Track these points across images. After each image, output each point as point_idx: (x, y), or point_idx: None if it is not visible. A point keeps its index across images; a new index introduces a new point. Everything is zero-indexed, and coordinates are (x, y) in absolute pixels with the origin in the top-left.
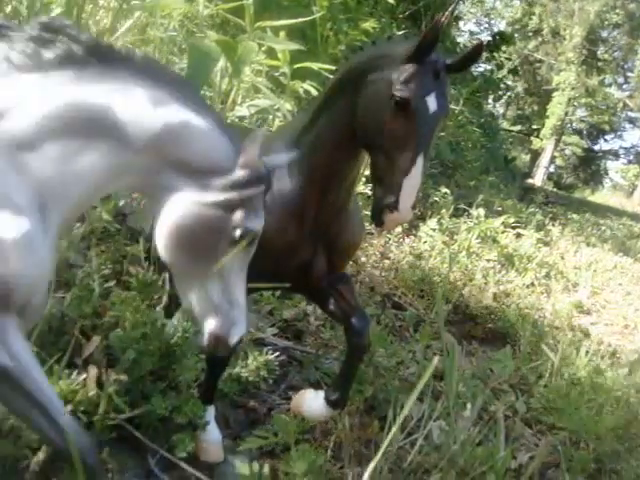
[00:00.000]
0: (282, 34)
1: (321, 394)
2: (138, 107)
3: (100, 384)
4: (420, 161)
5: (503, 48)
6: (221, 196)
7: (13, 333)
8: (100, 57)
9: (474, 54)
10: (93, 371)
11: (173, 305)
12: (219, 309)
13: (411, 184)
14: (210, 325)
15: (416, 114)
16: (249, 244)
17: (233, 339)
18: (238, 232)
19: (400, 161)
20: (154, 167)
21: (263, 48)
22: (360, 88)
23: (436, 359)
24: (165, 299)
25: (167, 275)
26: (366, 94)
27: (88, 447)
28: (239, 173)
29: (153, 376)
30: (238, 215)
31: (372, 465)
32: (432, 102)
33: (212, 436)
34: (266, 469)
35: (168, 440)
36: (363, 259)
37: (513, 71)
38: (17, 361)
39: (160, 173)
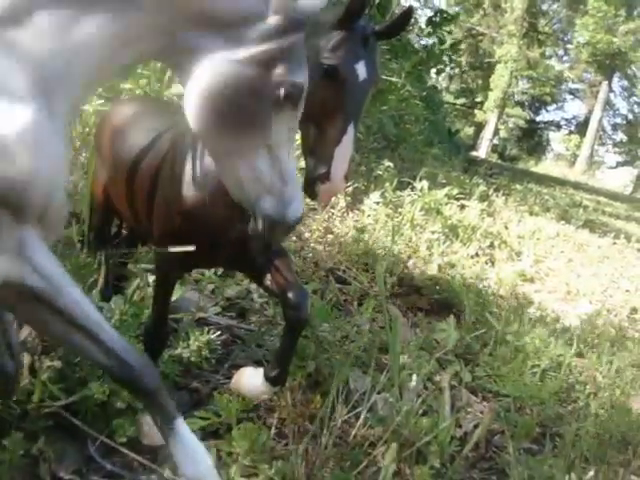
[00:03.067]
0: None
1: (260, 372)
2: None
3: (34, 372)
4: (351, 130)
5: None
6: (256, 49)
7: (36, 247)
8: None
9: (403, 20)
10: (26, 359)
11: (110, 288)
12: (271, 187)
13: (342, 154)
14: (264, 207)
15: (345, 82)
16: (296, 103)
17: (291, 219)
18: (282, 89)
19: (330, 131)
20: (171, 26)
21: None
22: None
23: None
24: (101, 282)
25: (102, 258)
26: None
27: (145, 367)
28: (273, 20)
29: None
30: (280, 69)
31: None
32: (361, 69)
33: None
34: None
35: (108, 425)
36: (307, 234)
37: (452, 47)
38: (47, 279)
39: (179, 33)
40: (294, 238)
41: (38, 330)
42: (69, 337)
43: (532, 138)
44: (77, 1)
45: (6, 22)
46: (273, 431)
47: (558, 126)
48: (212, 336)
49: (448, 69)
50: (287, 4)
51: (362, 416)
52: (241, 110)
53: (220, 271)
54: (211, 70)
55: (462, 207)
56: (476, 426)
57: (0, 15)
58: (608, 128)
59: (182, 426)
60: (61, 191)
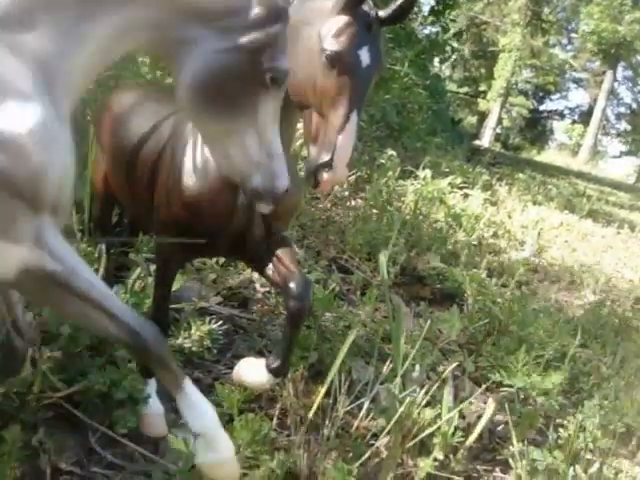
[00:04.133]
0: None
1: (262, 362)
2: None
3: (34, 362)
4: (354, 118)
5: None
6: (244, 38)
7: (52, 235)
8: None
9: (406, 6)
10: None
11: (111, 277)
12: (259, 164)
13: (346, 142)
14: (253, 182)
15: (348, 69)
16: (280, 85)
17: (278, 191)
18: (269, 75)
19: (333, 118)
20: (165, 21)
21: None
22: (291, 44)
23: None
24: (102, 272)
25: (103, 247)
26: (298, 50)
27: (154, 337)
28: (258, 11)
29: (91, 351)
30: (265, 56)
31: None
32: (365, 56)
33: (154, 409)
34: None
35: (109, 416)
36: (309, 223)
37: (458, 34)
38: (62, 263)
39: (173, 27)
40: (296, 227)
41: (53, 308)
42: (84, 314)
43: (535, 127)
44: (75, 4)
45: (10, 25)
46: (275, 422)
47: (562, 115)
48: (214, 326)
49: (452, 58)
50: None
51: (365, 407)
52: (230, 95)
53: (222, 260)
54: (202, 59)
55: (465, 196)
56: (479, 417)
57: (6, 18)
58: (612, 117)
59: (189, 385)
60: (71, 181)
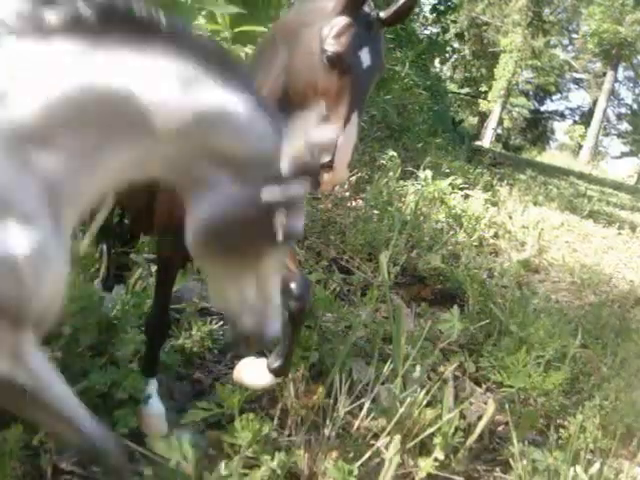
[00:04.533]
0: None
1: (263, 362)
2: (166, 89)
3: None
4: (355, 118)
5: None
6: (263, 193)
7: (30, 350)
8: (117, 21)
9: (407, 7)
10: None
11: (112, 278)
12: (253, 308)
13: (346, 142)
14: (244, 325)
15: (349, 70)
16: (290, 243)
17: (267, 337)
18: (281, 234)
19: (334, 119)
20: (184, 158)
21: (203, 12)
22: (292, 45)
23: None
24: (103, 272)
25: (104, 247)
26: (298, 51)
27: (118, 454)
28: (284, 166)
29: (92, 351)
30: (281, 215)
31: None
32: (365, 56)
33: (154, 409)
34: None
35: (110, 416)
36: (310, 224)
37: (459, 35)
38: (36, 378)
39: (191, 164)
40: None
41: (13, 409)
42: (51, 424)
43: (536, 128)
44: (105, 126)
45: (31, 140)
46: (275, 422)
47: (562, 116)
48: (214, 326)
49: (452, 59)
50: (298, 152)
51: (365, 407)
52: (238, 245)
53: None
54: (217, 204)
55: (466, 197)
56: (480, 417)
57: (26, 133)
58: (613, 118)
59: None
60: (61, 295)
